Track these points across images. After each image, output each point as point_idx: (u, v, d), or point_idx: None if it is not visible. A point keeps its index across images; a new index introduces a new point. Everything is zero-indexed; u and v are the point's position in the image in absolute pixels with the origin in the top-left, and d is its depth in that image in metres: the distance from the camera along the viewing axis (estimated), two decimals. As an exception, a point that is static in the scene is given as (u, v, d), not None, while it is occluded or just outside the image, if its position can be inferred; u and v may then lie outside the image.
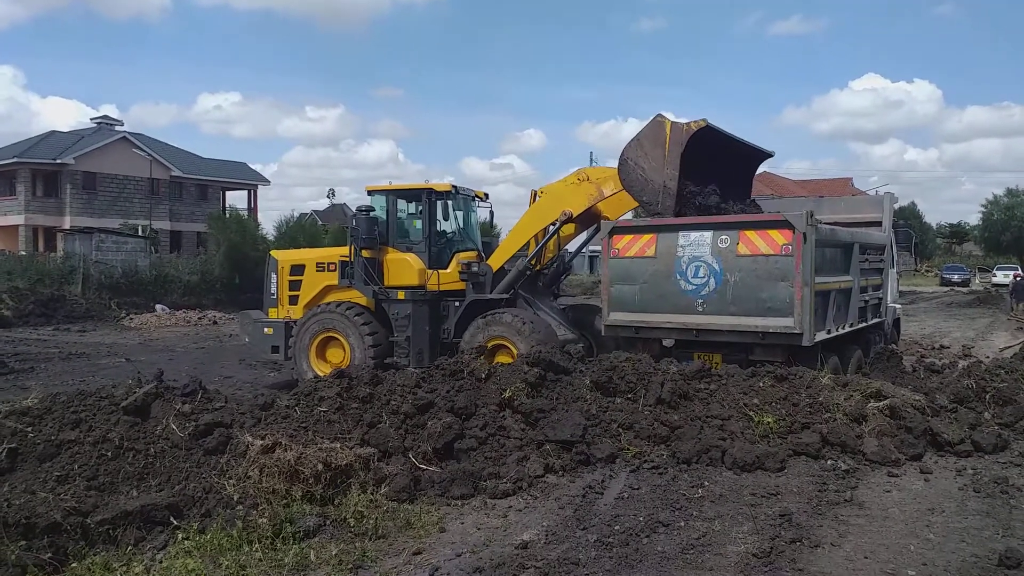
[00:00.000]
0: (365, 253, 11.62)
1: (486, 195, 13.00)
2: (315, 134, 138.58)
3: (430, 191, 11.78)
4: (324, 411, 6.58)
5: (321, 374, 10.92)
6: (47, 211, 43.69)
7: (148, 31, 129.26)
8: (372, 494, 5.52)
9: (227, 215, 38.12)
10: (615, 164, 10.18)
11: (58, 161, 42.95)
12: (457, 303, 11.43)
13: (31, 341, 19.33)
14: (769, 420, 6.81)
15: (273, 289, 12.79)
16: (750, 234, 8.84)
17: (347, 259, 11.81)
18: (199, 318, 26.03)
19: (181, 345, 19.23)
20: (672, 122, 9.35)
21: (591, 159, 72.36)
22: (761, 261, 8.75)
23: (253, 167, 56.68)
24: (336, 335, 11.67)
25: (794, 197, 21.67)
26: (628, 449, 6.44)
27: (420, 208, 11.96)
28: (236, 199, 54.36)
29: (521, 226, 11.52)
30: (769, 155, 11.43)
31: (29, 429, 5.93)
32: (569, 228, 11.56)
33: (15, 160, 42.86)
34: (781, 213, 8.93)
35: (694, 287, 9.16)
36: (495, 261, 11.54)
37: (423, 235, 11.80)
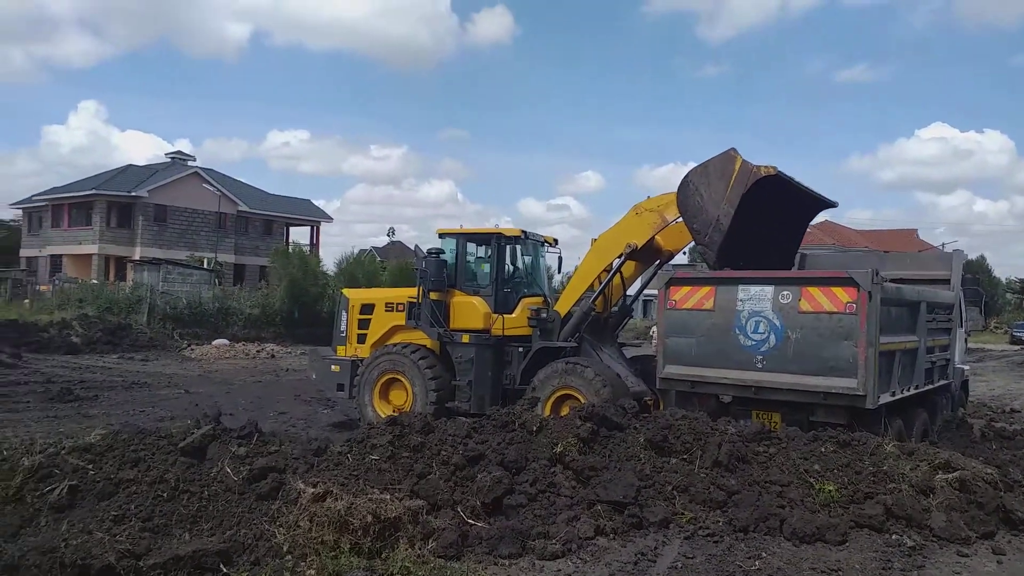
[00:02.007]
0: (433, 295, 11.67)
1: (555, 241, 12.95)
2: (378, 172, 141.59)
3: (499, 235, 11.80)
4: (376, 459, 6.58)
5: (383, 415, 11.12)
6: (119, 241, 45.43)
7: (225, 69, 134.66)
8: (419, 549, 5.46)
9: (290, 251, 38.99)
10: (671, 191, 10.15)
11: (133, 194, 44.75)
12: (521, 349, 11.32)
13: (96, 368, 19.95)
14: (831, 488, 6.55)
15: (343, 327, 12.92)
16: (813, 290, 8.63)
17: (415, 300, 11.86)
18: (257, 351, 26.55)
19: (239, 378, 19.59)
20: (743, 160, 9.22)
21: (649, 202, 72.14)
22: (824, 319, 8.52)
23: (317, 203, 58.18)
24: (400, 377, 11.69)
25: (857, 249, 21.23)
26: (683, 514, 6.25)
27: (489, 252, 11.98)
28: (299, 234, 55.76)
29: (585, 267, 11.42)
30: (833, 205, 11.22)
31: (90, 467, 6.07)
32: (629, 268, 11.45)
33: (93, 192, 44.86)
34: (846, 270, 8.69)
35: (754, 343, 8.95)
36: (562, 306, 11.43)
37: (490, 279, 11.80)
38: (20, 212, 55.04)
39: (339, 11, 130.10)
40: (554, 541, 5.74)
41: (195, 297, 31.29)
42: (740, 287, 9.08)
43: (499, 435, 7.15)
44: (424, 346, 11.76)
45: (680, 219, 10.39)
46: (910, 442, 8.67)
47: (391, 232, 78.02)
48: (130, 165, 52.23)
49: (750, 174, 9.13)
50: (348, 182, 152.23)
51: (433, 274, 11.54)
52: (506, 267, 11.90)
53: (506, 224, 12.27)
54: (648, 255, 11.28)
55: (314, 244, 53.56)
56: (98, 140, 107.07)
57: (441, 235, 12.40)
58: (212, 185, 47.15)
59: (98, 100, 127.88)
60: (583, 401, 9.85)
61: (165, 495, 5.81)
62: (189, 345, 26.69)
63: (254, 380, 19.29)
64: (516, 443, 6.94)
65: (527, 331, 11.52)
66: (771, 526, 6.09)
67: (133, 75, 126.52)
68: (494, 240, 11.83)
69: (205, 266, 36.88)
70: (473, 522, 5.98)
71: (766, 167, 9.16)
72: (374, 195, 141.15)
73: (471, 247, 12.26)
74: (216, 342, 27.38)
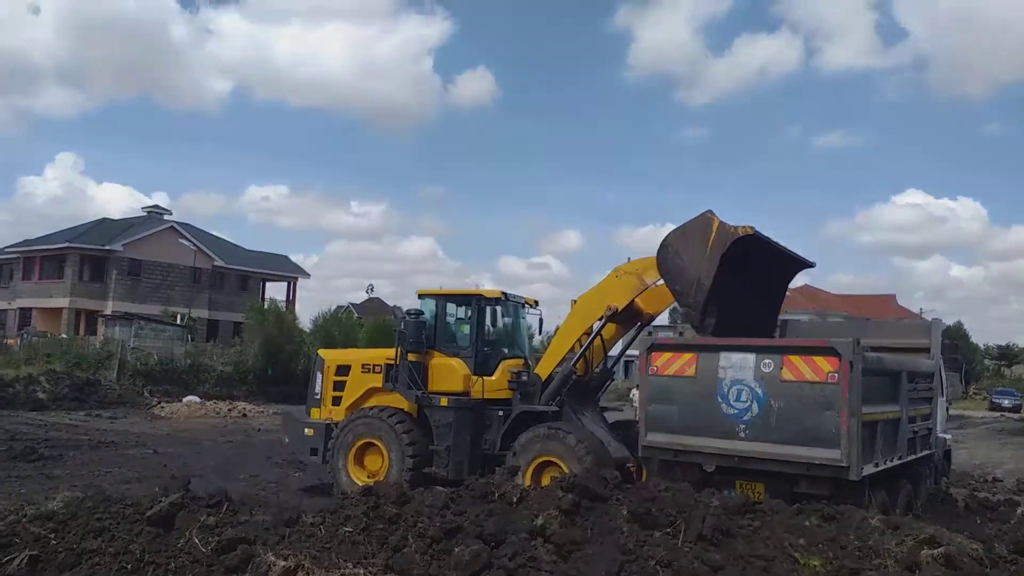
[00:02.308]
0: (411, 357, 11.47)
1: (536, 302, 12.89)
2: (358, 228, 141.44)
3: (480, 297, 11.75)
4: (349, 531, 6.34)
5: (357, 481, 10.95)
6: (91, 295, 44.87)
7: (205, 124, 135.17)
8: (395, 627, 5.24)
9: (266, 307, 38.67)
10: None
11: (107, 247, 44.41)
12: (501, 412, 11.11)
13: (62, 426, 19.43)
14: (816, 563, 6.41)
15: (317, 389, 12.62)
16: (795, 359, 8.62)
17: (392, 362, 11.65)
18: (229, 409, 26.07)
19: (209, 437, 19.17)
20: (720, 222, 9.28)
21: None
22: (806, 388, 8.50)
23: (295, 258, 58.09)
24: (376, 441, 11.40)
25: (836, 314, 21.31)
26: (667, 591, 6.08)
27: (469, 313, 11.86)
28: (275, 290, 55.47)
29: (566, 329, 11.39)
30: (810, 265, 11.29)
31: (52, 536, 5.81)
32: (610, 330, 11.39)
33: (66, 245, 44.50)
34: (827, 340, 8.71)
35: (736, 411, 8.89)
36: (542, 369, 11.30)
37: (470, 341, 11.66)
38: (-9, 264, 54.28)
39: (322, 70, 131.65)
40: (535, 620, 5.53)
41: (167, 353, 30.79)
42: (722, 354, 9.06)
43: (478, 506, 6.94)
44: (401, 410, 11.50)
45: (660, 282, 10.44)
46: (894, 514, 8.60)
47: (370, 289, 77.80)
48: (105, 218, 52.00)
49: (727, 235, 9.19)
50: (328, 237, 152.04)
51: (412, 335, 11.37)
52: (486, 329, 11.78)
53: (487, 282, 12.39)
54: (629, 317, 11.27)
55: (290, 300, 53.23)
56: (74, 192, 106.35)
57: (421, 296, 12.31)
58: (188, 240, 46.93)
59: (76, 152, 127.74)
60: (565, 469, 9.67)
61: (130, 567, 5.56)
62: (159, 403, 26.18)
63: (225, 440, 18.87)
64: (495, 515, 6.73)
65: (507, 394, 11.34)
66: (757, 604, 5.93)
67: (112, 128, 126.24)
68: (474, 302, 11.74)
69: (178, 322, 36.41)
70: (450, 599, 5.76)
71: (743, 227, 9.23)
72: (353, 251, 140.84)
73: (451, 308, 12.13)
74: (187, 399, 26.86)
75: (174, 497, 6.29)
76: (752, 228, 9.32)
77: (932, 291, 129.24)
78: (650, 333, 10.55)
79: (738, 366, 8.86)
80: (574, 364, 11.09)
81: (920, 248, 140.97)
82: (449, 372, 11.50)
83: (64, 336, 36.83)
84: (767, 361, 8.70)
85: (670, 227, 9.97)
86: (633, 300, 10.84)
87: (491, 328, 11.93)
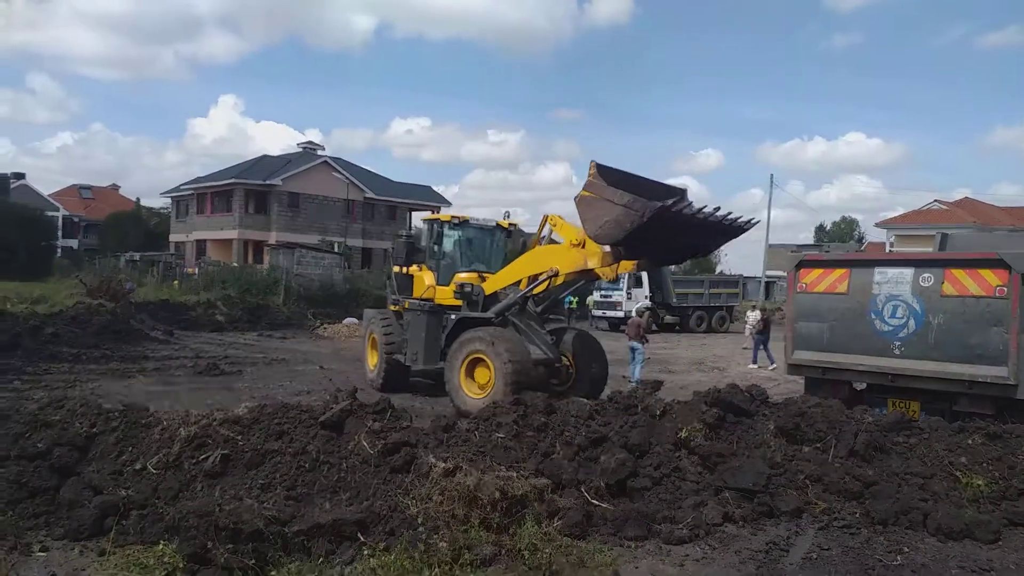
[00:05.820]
0: (411, 270, 14.00)
1: (511, 225, 14.47)
2: (495, 157, 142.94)
3: (436, 220, 14.08)
4: (501, 437, 6.72)
5: (369, 361, 14.47)
6: (256, 227, 47.95)
7: (351, 61, 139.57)
8: (545, 527, 5.54)
9: (413, 234, 39.98)
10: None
11: (268, 182, 47.10)
12: (453, 316, 12.66)
13: (239, 345, 21.20)
14: (979, 483, 6.18)
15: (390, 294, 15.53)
16: (958, 273, 8.15)
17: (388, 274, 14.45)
18: (384, 331, 27.44)
19: (368, 357, 20.33)
20: (583, 192, 9.39)
21: (771, 182, 69.73)
22: (970, 303, 8.03)
23: (437, 189, 59.46)
24: (374, 335, 14.21)
25: (1000, 228, 19.61)
26: (816, 504, 6.05)
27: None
28: (421, 219, 56.97)
29: (516, 265, 12.32)
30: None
31: (239, 437, 6.49)
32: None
33: (233, 181, 47.53)
34: (996, 252, 8.14)
35: (891, 328, 8.56)
36: (489, 285, 12.55)
37: (435, 257, 13.82)
38: (169, 200, 59.17)
39: (458, 1, 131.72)
40: (681, 526, 5.70)
41: (327, 279, 32.67)
42: (876, 269, 8.71)
43: (621, 418, 7.14)
44: (392, 310, 14.11)
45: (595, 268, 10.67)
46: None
47: (506, 216, 78.72)
48: (265, 155, 54.96)
49: (593, 179, 9.29)
50: (466, 167, 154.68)
51: (398, 252, 13.97)
52: (443, 247, 13.74)
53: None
54: (582, 273, 11.40)
55: (436, 228, 54.61)
56: (236, 131, 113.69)
57: (424, 220, 14.85)
58: (340, 173, 49.01)
59: (236, 94, 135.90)
60: (490, 362, 10.92)
61: (307, 466, 6.15)
62: (322, 324, 27.89)
63: (382, 359, 19.95)
64: (639, 427, 6.90)
65: (456, 302, 12.89)
66: (913, 520, 5.81)
67: (267, 69, 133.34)
68: (434, 224, 13.92)
69: (336, 250, 38.38)
70: (597, 503, 6.02)
71: (590, 169, 9.45)
72: (491, 180, 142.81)
73: (436, 230, 13.98)
74: (346, 321, 28.43)
75: (344, 404, 6.86)
76: (593, 162, 9.44)
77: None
78: (797, 249, 10.20)
79: (894, 281, 8.49)
80: (520, 297, 11.97)
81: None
82: (422, 282, 13.80)
83: (235, 264, 39.81)
84: (926, 275, 8.28)
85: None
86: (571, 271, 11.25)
87: (447, 247, 13.85)
